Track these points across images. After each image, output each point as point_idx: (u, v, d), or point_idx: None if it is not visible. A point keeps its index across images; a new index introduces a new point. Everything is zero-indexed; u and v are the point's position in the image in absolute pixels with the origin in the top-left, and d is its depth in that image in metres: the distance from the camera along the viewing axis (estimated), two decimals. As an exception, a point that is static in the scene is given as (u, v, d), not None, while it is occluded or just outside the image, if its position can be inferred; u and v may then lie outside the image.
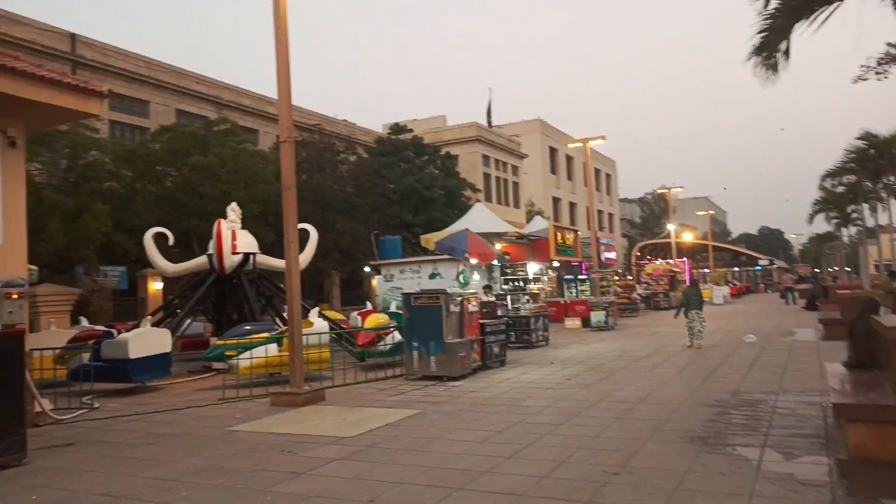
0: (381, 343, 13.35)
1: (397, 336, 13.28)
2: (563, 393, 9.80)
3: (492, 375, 12.02)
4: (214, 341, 13.13)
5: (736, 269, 66.82)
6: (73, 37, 24.29)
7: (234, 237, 14.98)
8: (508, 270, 26.51)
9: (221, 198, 19.52)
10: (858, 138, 32.87)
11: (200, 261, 15.93)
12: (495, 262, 22.99)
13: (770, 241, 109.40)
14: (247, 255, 15.22)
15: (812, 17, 11.29)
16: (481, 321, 12.95)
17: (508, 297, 18.75)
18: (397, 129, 34.95)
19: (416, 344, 11.76)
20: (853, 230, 45.89)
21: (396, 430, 7.64)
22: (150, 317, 14.20)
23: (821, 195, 41.16)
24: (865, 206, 37.85)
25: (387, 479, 5.68)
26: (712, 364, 12.39)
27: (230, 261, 14.84)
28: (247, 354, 11.24)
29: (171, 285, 20.53)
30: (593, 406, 8.66)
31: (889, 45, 14.94)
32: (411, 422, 8.11)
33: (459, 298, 12.14)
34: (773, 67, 11.78)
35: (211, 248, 15.14)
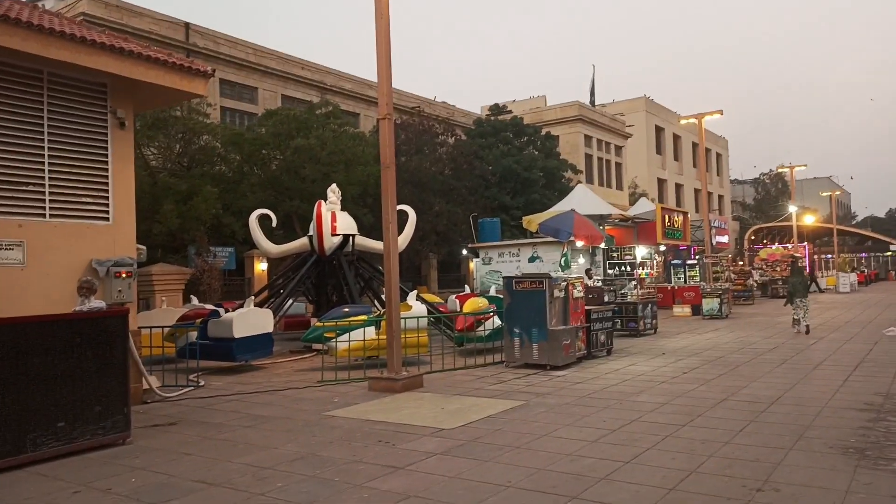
0: (480, 328, 12.87)
1: (497, 321, 12.76)
2: (681, 388, 8.94)
3: (598, 365, 11.28)
4: (314, 322, 13.13)
5: (862, 254, 61.43)
6: (187, 26, 25.19)
7: (334, 219, 14.93)
8: (614, 254, 25.37)
9: (322, 180, 19.70)
10: None
11: (302, 242, 16.05)
12: (602, 244, 21.95)
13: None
14: (346, 236, 15.14)
15: None
16: (587, 307, 12.20)
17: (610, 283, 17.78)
18: (496, 109, 34.26)
19: (517, 330, 11.19)
20: None
21: (498, 424, 7.12)
22: (253, 297, 14.41)
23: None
24: None
25: (491, 481, 5.17)
26: (852, 360, 11.04)
27: (329, 242, 14.82)
28: (344, 337, 11.08)
29: (276, 266, 21.00)
30: (718, 405, 7.78)
31: None
32: (514, 414, 7.58)
33: (564, 283, 11.44)
34: None
35: (311, 230, 15.18)
